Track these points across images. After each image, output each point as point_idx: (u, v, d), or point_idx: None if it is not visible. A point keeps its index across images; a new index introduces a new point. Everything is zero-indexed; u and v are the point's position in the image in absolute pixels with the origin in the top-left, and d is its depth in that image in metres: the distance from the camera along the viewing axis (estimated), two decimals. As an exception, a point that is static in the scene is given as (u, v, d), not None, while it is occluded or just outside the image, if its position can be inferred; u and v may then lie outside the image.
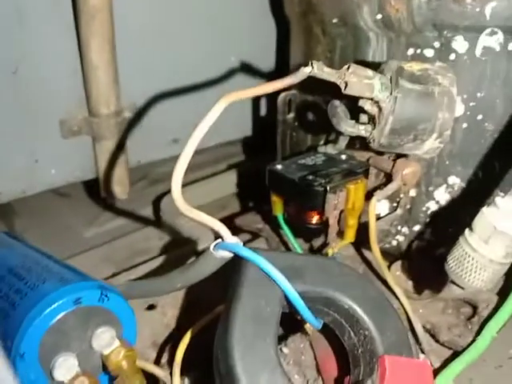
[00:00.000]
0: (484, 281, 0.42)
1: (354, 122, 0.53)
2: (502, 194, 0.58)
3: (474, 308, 0.67)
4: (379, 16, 0.60)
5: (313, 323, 0.47)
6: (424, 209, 0.67)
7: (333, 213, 0.60)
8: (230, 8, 0.98)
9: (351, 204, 0.62)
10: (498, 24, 0.55)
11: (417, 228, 0.68)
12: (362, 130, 0.52)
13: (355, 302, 0.48)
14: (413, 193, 0.67)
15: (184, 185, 0.44)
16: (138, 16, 0.86)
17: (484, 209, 0.41)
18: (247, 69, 0.99)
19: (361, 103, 0.49)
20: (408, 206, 0.68)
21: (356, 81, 0.47)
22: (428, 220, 0.67)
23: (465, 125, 0.60)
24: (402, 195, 0.67)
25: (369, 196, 0.63)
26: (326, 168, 0.66)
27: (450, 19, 0.56)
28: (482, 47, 0.57)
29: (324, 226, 0.64)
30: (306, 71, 0.44)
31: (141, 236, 0.96)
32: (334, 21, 0.66)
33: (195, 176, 1.07)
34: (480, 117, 0.59)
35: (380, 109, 0.48)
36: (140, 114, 0.92)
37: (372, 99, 0.48)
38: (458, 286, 0.46)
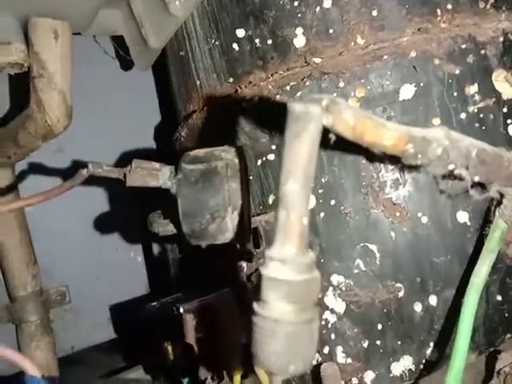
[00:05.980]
0: (281, 353, 0.32)
1: (167, 221, 0.50)
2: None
3: None
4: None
5: None
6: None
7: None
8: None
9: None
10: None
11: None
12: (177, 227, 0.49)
13: None
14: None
15: None
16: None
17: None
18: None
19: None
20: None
21: (138, 172, 0.46)
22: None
23: (322, 214, 0.55)
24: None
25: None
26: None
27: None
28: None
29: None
30: (83, 173, 0.45)
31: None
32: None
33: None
34: (333, 202, 0.55)
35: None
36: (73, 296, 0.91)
37: (160, 188, 0.47)
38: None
